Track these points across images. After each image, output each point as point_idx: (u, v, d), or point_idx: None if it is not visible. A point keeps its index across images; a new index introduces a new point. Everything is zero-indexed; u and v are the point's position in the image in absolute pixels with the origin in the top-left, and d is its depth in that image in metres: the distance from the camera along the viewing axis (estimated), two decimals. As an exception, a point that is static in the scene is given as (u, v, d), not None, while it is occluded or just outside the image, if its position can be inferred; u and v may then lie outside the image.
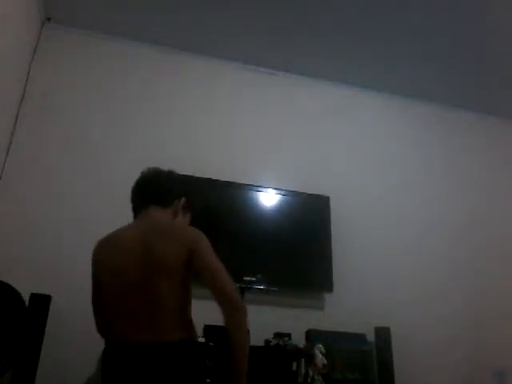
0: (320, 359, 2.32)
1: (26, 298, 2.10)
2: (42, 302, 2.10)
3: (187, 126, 3.04)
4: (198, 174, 2.82)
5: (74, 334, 2.39)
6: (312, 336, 2.54)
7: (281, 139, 3.20)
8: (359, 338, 2.65)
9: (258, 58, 3.25)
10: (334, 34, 2.98)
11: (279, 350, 2.37)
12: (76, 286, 2.49)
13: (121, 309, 1.49)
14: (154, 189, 1.75)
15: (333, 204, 3.00)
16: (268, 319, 2.65)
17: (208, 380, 2.15)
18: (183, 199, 1.80)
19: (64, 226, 2.61)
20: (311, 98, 3.39)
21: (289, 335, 2.50)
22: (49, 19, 2.96)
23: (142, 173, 1.83)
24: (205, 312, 2.61)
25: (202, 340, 2.28)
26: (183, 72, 3.17)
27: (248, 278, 2.66)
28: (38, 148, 2.72)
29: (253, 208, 2.85)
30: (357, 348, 2.61)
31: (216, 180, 2.84)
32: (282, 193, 2.94)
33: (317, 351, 2.34)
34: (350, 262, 2.96)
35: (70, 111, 2.85)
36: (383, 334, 2.65)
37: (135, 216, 1.74)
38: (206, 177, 2.83)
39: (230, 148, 3.07)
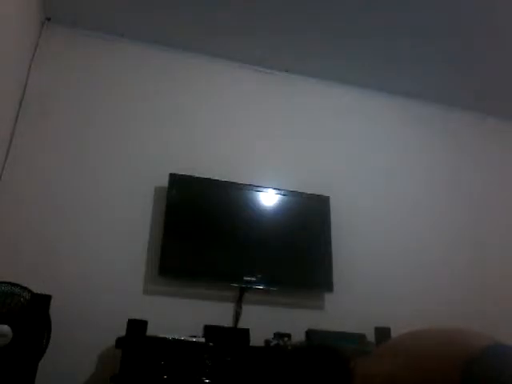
0: (320, 359, 2.31)
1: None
2: (42, 302, 2.10)
3: (187, 126, 3.04)
4: (197, 174, 2.83)
5: (74, 334, 2.39)
6: (312, 336, 2.54)
7: (281, 139, 3.20)
8: (359, 338, 2.64)
9: (258, 58, 3.25)
10: (334, 34, 2.98)
11: (279, 350, 2.37)
12: (76, 286, 2.51)
13: None
14: None
15: (333, 204, 3.00)
16: (268, 319, 2.66)
17: (208, 380, 2.15)
18: None
19: (64, 226, 2.61)
20: (311, 98, 3.39)
21: (289, 335, 2.50)
22: (49, 19, 2.96)
23: None
24: (205, 312, 2.62)
25: (201, 340, 2.29)
26: (183, 72, 3.17)
27: (248, 278, 2.67)
28: (38, 148, 2.72)
29: (253, 208, 2.85)
30: (357, 348, 2.60)
31: (216, 180, 2.84)
32: (282, 193, 2.94)
33: (317, 351, 2.33)
34: (350, 261, 2.96)
35: (69, 111, 2.85)
36: (383, 334, 2.65)
37: None
38: (206, 177, 2.84)
39: (230, 148, 3.07)
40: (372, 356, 1.34)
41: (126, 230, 2.69)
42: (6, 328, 1.97)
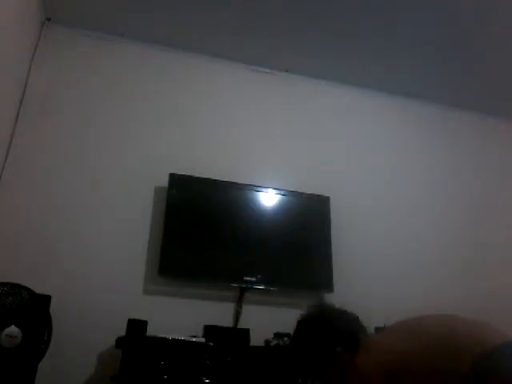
0: (320, 359, 2.31)
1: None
2: (42, 302, 2.10)
3: (187, 126, 3.04)
4: (197, 174, 2.83)
5: (74, 334, 2.39)
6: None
7: (281, 139, 3.20)
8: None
9: (258, 58, 3.25)
10: (334, 34, 2.98)
11: (279, 350, 2.37)
12: (76, 286, 2.51)
13: None
14: None
15: (333, 204, 3.00)
16: (268, 319, 2.66)
17: (208, 380, 2.15)
18: None
19: (64, 226, 2.61)
20: (311, 98, 3.38)
21: (289, 335, 2.49)
22: (49, 19, 2.96)
23: None
24: (205, 312, 2.62)
25: (201, 340, 2.29)
26: (183, 72, 3.17)
27: (248, 278, 2.67)
28: (38, 148, 2.72)
29: (253, 208, 2.85)
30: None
31: (216, 180, 2.84)
32: (282, 193, 2.94)
33: (317, 351, 2.33)
34: (350, 261, 2.96)
35: (69, 111, 2.85)
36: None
37: None
38: (205, 177, 2.84)
39: (230, 148, 3.07)
40: (387, 332, 1.35)
41: (126, 229, 2.69)
42: (16, 329, 1.98)
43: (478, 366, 1.11)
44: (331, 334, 1.42)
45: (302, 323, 1.48)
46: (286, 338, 2.43)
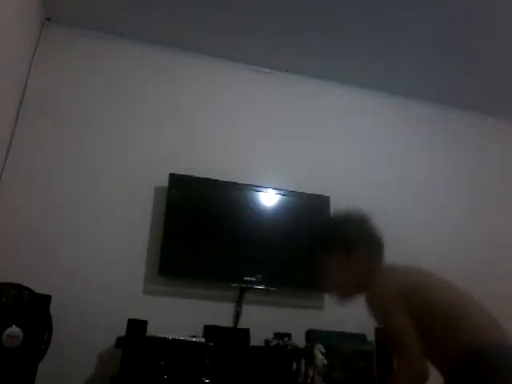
0: (320, 359, 2.32)
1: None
2: (42, 302, 2.10)
3: (187, 126, 3.04)
4: (197, 174, 2.83)
5: (74, 334, 2.39)
6: (312, 336, 2.54)
7: (281, 139, 3.20)
8: (359, 338, 2.64)
9: (258, 58, 3.25)
10: (334, 34, 2.98)
11: (279, 350, 2.37)
12: (76, 286, 2.51)
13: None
14: None
15: (333, 204, 3.00)
16: (268, 319, 2.66)
17: (208, 380, 2.15)
18: None
19: (64, 226, 2.61)
20: (311, 98, 3.38)
21: (289, 335, 2.50)
22: (49, 19, 2.96)
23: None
24: (205, 312, 2.62)
25: (201, 340, 2.29)
26: (183, 72, 3.17)
27: (248, 278, 2.67)
28: (38, 148, 2.72)
29: (253, 208, 2.85)
30: (357, 348, 2.60)
31: (216, 180, 2.84)
32: (282, 193, 2.94)
33: (317, 351, 2.33)
34: (349, 262, 2.96)
35: (69, 111, 2.85)
36: (383, 334, 2.64)
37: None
38: (205, 177, 2.84)
39: (230, 148, 3.07)
40: (404, 270, 1.44)
41: (126, 229, 2.69)
42: (17, 330, 1.98)
43: (467, 355, 1.27)
44: (362, 233, 1.62)
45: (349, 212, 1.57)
46: (286, 338, 2.44)
